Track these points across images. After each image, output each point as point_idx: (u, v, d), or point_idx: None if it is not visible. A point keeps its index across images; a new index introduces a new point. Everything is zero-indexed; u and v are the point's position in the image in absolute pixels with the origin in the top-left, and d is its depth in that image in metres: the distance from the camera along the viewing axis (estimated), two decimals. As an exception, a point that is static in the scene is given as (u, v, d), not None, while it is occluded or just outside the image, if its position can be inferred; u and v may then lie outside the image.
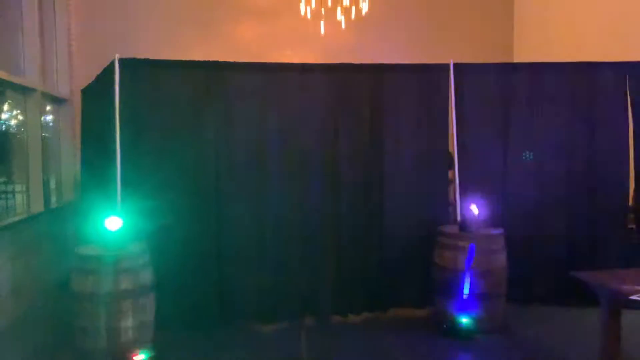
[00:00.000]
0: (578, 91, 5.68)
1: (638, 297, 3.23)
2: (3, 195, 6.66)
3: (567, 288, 5.23)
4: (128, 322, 4.34)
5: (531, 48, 8.83)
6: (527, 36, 9.03)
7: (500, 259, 5.10)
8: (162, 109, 5.10)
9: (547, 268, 5.58)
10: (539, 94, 5.65)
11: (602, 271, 3.93)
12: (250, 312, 5.30)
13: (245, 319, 5.30)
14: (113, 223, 4.54)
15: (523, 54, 8.89)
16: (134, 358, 4.29)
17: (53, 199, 7.34)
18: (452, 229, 5.29)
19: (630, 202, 5.80)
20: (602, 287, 3.59)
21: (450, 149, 5.65)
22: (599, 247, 5.66)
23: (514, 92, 5.65)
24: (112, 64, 4.93)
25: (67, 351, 4.53)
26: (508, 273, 5.19)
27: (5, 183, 6.69)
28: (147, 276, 4.54)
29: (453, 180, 5.57)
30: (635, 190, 5.78)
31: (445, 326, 5.01)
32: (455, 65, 5.51)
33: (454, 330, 4.94)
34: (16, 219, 6.02)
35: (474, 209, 5.19)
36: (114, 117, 4.87)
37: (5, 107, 6.73)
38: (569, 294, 5.31)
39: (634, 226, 5.81)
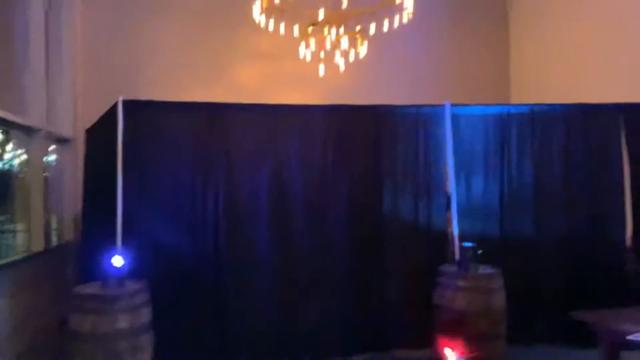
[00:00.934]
0: (573, 132, 5.77)
1: (636, 337, 3.22)
2: (4, 234, 6.70)
3: (568, 328, 5.19)
4: (126, 362, 4.31)
5: (528, 88, 8.97)
6: (524, 76, 9.19)
7: (499, 298, 5.10)
8: (164, 149, 5.19)
9: (548, 308, 5.56)
10: (534, 134, 5.76)
11: (601, 311, 3.93)
12: (251, 352, 5.25)
13: (245, 358, 5.24)
14: (117, 261, 4.57)
15: (520, 95, 9.04)
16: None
17: (54, 238, 7.35)
18: (451, 268, 5.29)
19: (629, 243, 5.81)
20: (601, 327, 3.59)
21: (447, 190, 5.71)
22: (599, 287, 5.63)
23: (509, 132, 5.75)
24: (115, 105, 5.03)
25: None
26: (508, 313, 5.18)
27: (7, 222, 6.73)
28: (145, 315, 4.53)
29: (451, 221, 5.60)
30: (633, 232, 5.79)
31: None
32: (452, 106, 5.62)
33: (454, 371, 4.91)
34: (17, 257, 6.03)
35: (468, 249, 5.21)
36: (116, 158, 4.95)
37: (9, 146, 6.83)
38: (571, 335, 5.26)
39: (633, 266, 5.81)
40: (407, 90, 8.29)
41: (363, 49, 7.22)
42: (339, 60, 7.38)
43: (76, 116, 7.84)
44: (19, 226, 6.59)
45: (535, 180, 5.73)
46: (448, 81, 8.74)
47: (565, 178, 5.74)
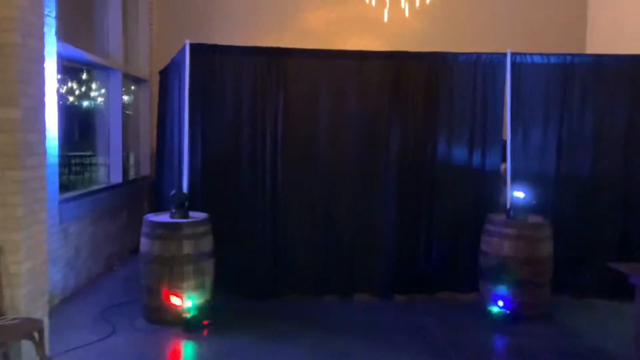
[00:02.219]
0: (636, 82, 5.57)
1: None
2: (88, 167, 7.34)
3: (615, 281, 5.18)
4: (189, 284, 4.78)
5: (604, 39, 8.56)
6: (601, 27, 8.75)
7: (546, 248, 5.16)
8: (227, 90, 5.48)
9: (597, 260, 5.54)
10: (597, 84, 5.60)
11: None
12: (301, 284, 5.63)
13: (297, 291, 5.61)
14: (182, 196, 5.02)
15: (596, 45, 8.64)
16: (188, 317, 4.73)
17: (131, 171, 7.97)
18: (500, 216, 5.37)
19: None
20: (635, 277, 3.62)
21: (504, 138, 5.71)
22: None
23: (571, 82, 5.61)
24: (183, 48, 5.35)
25: (136, 307, 5.04)
26: (555, 262, 5.25)
27: (90, 156, 7.36)
28: (207, 243, 4.96)
29: (505, 169, 5.63)
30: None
31: (488, 311, 5.14)
32: (513, 54, 5.55)
33: (497, 315, 5.07)
34: (97, 187, 6.65)
35: (522, 196, 5.25)
36: (184, 97, 5.31)
37: (92, 86, 7.37)
38: (616, 287, 5.25)
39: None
40: (474, 38, 8.15)
41: (429, -6, 7.14)
42: (405, 5, 7.34)
43: (151, 58, 8.30)
44: (100, 160, 7.20)
45: (595, 134, 5.61)
46: (519, 28, 8.46)
47: (626, 133, 5.58)
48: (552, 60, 5.68)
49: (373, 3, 7.26)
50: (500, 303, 5.09)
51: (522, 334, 4.86)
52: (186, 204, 5.02)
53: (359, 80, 5.58)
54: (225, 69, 5.46)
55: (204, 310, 4.83)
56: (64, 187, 5.69)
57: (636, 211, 5.62)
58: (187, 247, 4.80)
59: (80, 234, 5.79)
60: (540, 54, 5.68)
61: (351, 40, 8.36)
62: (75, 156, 7.10)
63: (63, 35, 5.06)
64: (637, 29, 7.73)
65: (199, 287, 4.83)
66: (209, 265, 4.96)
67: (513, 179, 5.49)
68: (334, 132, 5.58)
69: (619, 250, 5.54)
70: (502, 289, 5.14)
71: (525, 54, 5.61)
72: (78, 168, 7.17)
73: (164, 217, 5.02)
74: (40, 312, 3.76)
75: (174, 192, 5.07)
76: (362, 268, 5.68)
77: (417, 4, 7.24)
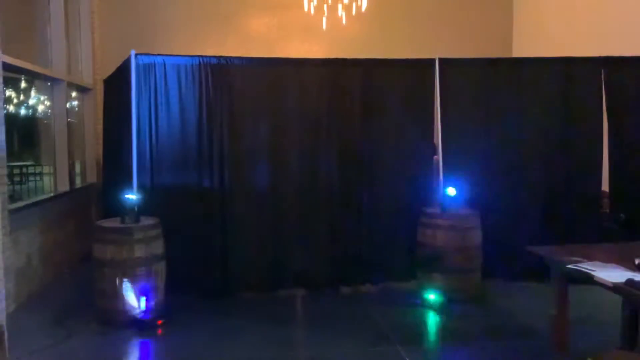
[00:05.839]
0: (556, 84, 6.11)
1: (575, 266, 3.70)
2: (32, 177, 7.34)
3: (540, 267, 5.66)
4: (142, 286, 4.95)
5: (530, 43, 9.18)
6: (526, 31, 9.38)
7: (476, 237, 5.62)
8: (173, 98, 5.68)
9: (523, 248, 6.02)
10: (518, 86, 6.10)
11: (556, 246, 4.37)
12: (252, 283, 5.87)
13: (248, 288, 5.85)
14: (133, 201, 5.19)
15: (522, 49, 9.26)
16: (142, 318, 4.92)
17: (78, 179, 8.01)
18: (433, 209, 5.80)
19: (605, 189, 6.23)
20: (549, 258, 4.07)
21: (435, 139, 6.13)
22: (574, 228, 6.06)
23: (494, 84, 6.10)
24: (129, 57, 5.52)
25: (89, 311, 5.17)
26: (485, 250, 5.71)
27: (35, 165, 7.37)
28: (159, 246, 5.16)
29: (437, 165, 6.07)
30: (609, 177, 6.20)
31: (425, 297, 5.55)
32: (441, 60, 5.98)
33: (433, 300, 5.48)
34: (44, 197, 6.70)
35: (452, 191, 5.70)
36: (130, 106, 5.48)
37: (34, 95, 7.39)
38: (544, 270, 5.72)
39: (607, 210, 6.26)
40: (407, 42, 8.62)
41: (364, 2, 7.52)
42: (342, 13, 7.72)
43: (95, 66, 8.36)
44: (46, 169, 7.24)
45: (518, 129, 6.09)
46: (449, 33, 9.00)
47: (543, 126, 6.11)
48: (475, 64, 6.15)
49: (312, 11, 7.60)
50: (436, 289, 5.51)
51: (456, 317, 5.30)
52: (136, 209, 5.20)
53: (299, 85, 5.89)
54: (170, 77, 5.66)
55: (158, 311, 5.03)
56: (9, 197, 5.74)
57: (556, 202, 6.14)
58: (139, 251, 4.99)
59: (31, 242, 5.86)
60: (464, 59, 6.14)
61: (292, 46, 8.69)
62: (16, 166, 7.08)
63: (4, 45, 5.14)
64: (560, 31, 8.36)
65: (151, 288, 5.02)
66: (161, 267, 5.16)
67: (445, 176, 5.92)
68: (277, 136, 5.86)
69: (542, 236, 5.98)
70: (437, 276, 5.56)
71: (451, 59, 6.04)
72: (19, 178, 7.15)
73: (116, 223, 5.19)
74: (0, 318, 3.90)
75: (123, 198, 5.24)
76: (309, 262, 5.96)
77: (354, 11, 7.63)
